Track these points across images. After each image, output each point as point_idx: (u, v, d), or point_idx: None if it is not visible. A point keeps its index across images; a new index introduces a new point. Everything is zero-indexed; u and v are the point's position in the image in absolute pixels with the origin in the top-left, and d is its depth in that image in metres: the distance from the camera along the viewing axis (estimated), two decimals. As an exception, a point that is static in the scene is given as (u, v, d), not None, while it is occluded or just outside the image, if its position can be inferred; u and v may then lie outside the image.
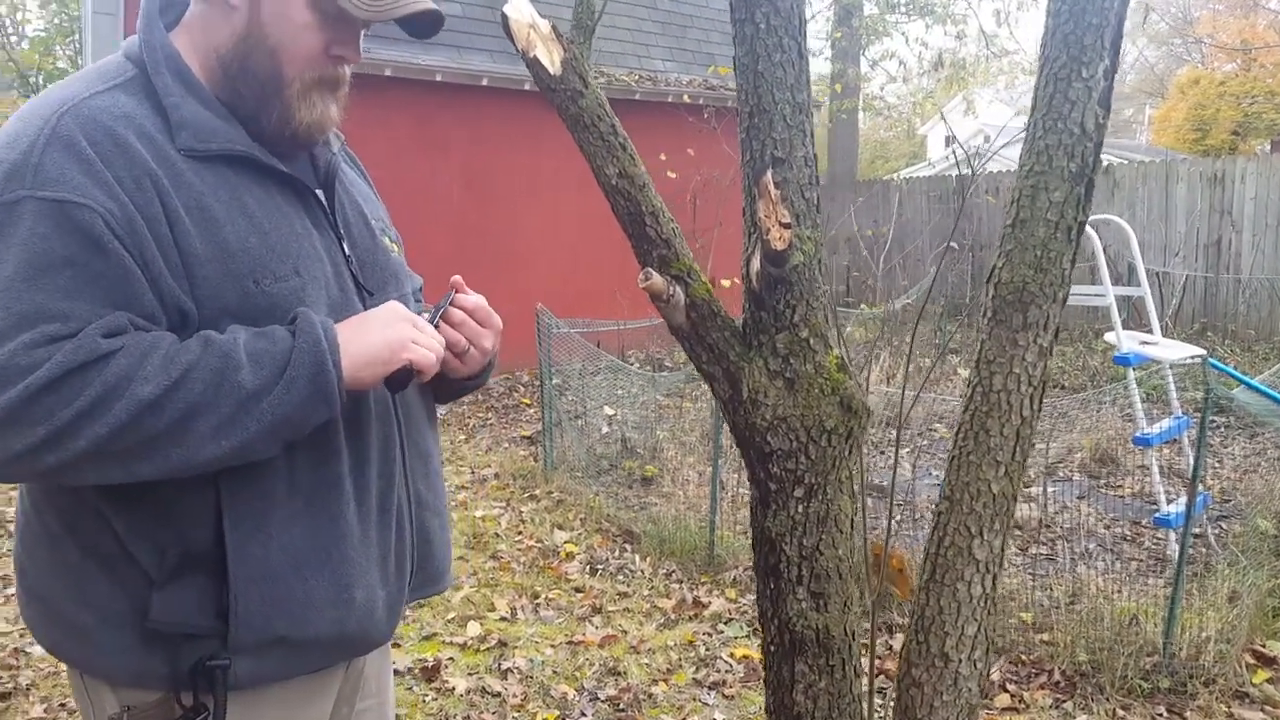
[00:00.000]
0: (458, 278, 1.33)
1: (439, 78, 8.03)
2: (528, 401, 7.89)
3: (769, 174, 1.43)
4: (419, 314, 1.27)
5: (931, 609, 1.58)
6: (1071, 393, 7.67)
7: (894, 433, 6.31)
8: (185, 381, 1.02)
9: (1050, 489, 5.12)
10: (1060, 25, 1.39)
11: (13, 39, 14.87)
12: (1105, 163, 11.33)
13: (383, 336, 1.15)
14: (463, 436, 6.84)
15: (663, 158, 9.12)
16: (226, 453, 1.05)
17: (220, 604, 1.12)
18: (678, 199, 9.34)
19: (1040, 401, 1.52)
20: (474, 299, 1.33)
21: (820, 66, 20.89)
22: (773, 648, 1.57)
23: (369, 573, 1.23)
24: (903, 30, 17.16)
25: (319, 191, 1.25)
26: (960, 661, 1.55)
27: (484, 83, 8.60)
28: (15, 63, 13.48)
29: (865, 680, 1.72)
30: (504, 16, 1.53)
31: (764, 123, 1.48)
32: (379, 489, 1.25)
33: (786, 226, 1.47)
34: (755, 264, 1.53)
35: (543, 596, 4.02)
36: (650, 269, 1.57)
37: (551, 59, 1.54)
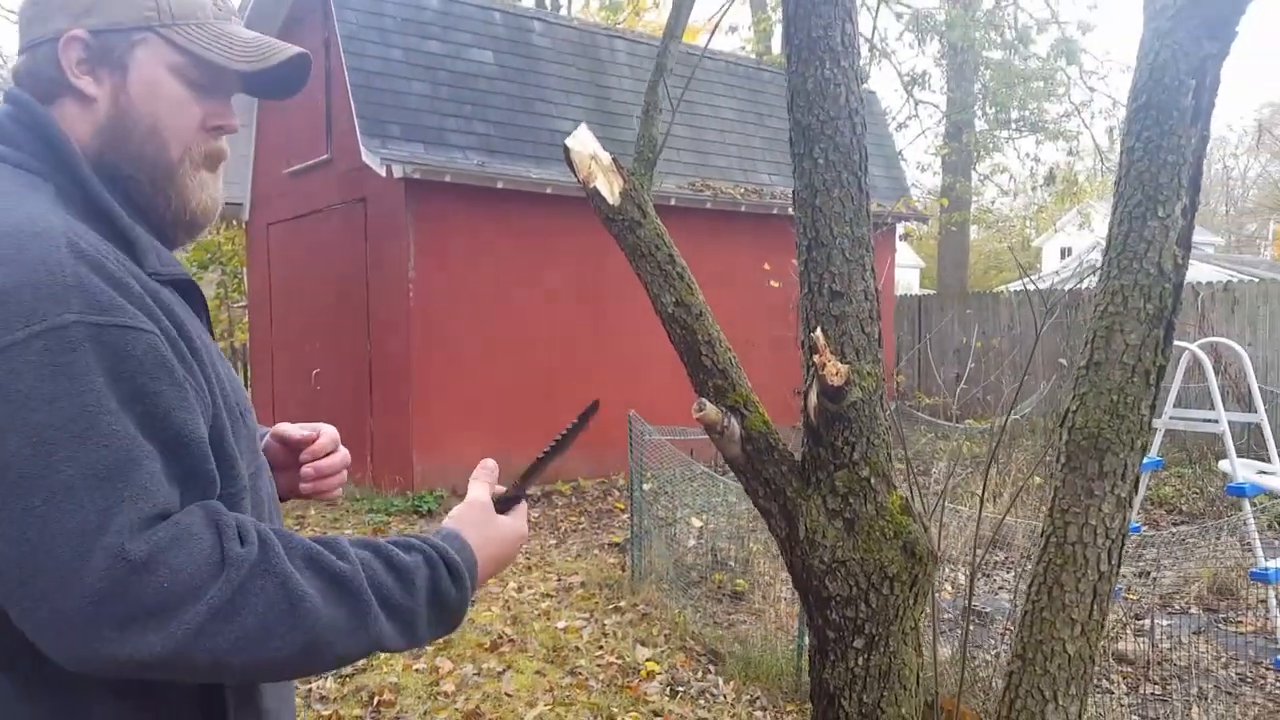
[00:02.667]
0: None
1: (549, 190, 8.30)
2: (621, 506, 7.83)
3: (825, 305, 1.39)
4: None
5: (1003, 779, 1.45)
6: (1190, 518, 7.17)
7: (1001, 554, 5.97)
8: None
9: (1164, 622, 4.74)
10: (1135, 162, 1.34)
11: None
12: (1225, 280, 10.82)
13: (509, 555, 1.15)
14: (553, 541, 6.81)
15: (766, 267, 9.16)
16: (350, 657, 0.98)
17: None
18: (780, 308, 9.34)
19: (1120, 556, 1.40)
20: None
21: (930, 181, 20.88)
22: (827, 810, 1.46)
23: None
24: (1014, 145, 16.99)
25: None
26: (1035, 842, 1.41)
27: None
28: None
29: None
30: (566, 148, 1.56)
31: (822, 256, 1.45)
32: None
33: (845, 361, 1.42)
34: (812, 398, 1.48)
35: (618, 719, 3.90)
36: (705, 399, 1.55)
37: (611, 190, 1.56)
